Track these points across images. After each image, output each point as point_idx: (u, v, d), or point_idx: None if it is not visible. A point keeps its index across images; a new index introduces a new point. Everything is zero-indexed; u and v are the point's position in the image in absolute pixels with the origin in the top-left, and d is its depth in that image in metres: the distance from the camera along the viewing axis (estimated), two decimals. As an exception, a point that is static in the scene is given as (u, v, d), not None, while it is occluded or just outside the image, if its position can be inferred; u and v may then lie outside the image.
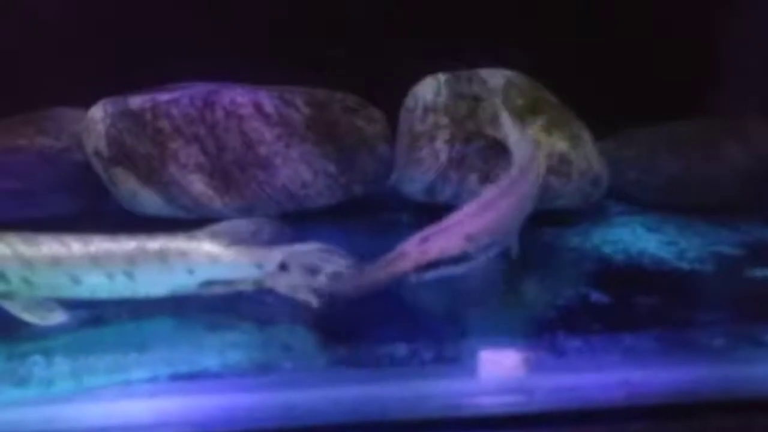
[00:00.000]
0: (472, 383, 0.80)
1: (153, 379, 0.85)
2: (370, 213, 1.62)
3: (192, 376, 0.87)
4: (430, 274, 1.01)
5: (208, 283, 1.07)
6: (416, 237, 1.04)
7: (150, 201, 1.45)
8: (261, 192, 1.51)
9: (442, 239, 1.04)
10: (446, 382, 0.80)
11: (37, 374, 0.85)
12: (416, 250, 1.02)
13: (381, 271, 1.01)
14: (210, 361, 0.95)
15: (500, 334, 0.94)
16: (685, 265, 1.21)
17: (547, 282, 1.13)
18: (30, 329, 0.97)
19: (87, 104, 1.67)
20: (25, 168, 1.45)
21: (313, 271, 1.06)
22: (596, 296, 1.07)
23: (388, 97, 1.72)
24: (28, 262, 0.97)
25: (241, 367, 0.90)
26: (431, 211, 1.55)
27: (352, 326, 1.07)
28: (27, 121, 1.55)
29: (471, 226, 1.06)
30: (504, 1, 2.01)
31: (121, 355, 0.90)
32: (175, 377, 0.86)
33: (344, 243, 1.42)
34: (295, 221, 1.58)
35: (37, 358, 0.89)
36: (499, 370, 0.83)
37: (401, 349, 0.89)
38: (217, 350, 0.97)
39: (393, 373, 0.84)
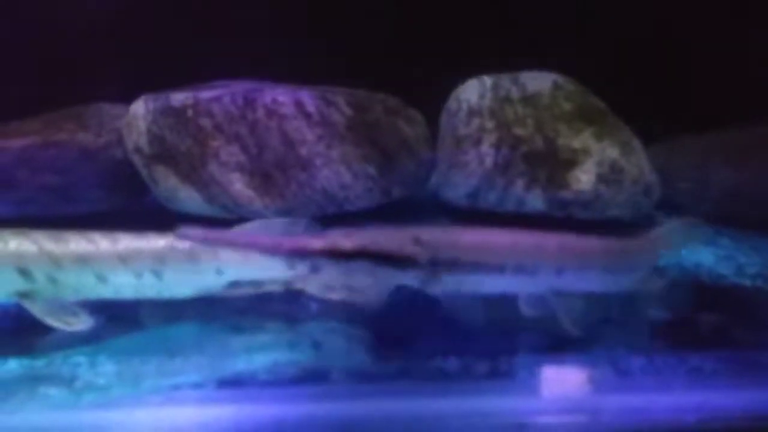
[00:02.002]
0: (534, 401, 0.76)
1: (200, 386, 0.82)
2: (410, 217, 1.58)
3: (237, 383, 0.85)
4: (355, 271, 0.87)
5: (235, 284, 1.03)
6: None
7: (190, 199, 1.43)
8: (300, 193, 1.48)
9: (385, 233, 0.89)
10: (506, 399, 0.75)
11: (82, 379, 0.83)
12: (338, 232, 0.89)
13: (276, 241, 0.87)
14: (250, 366, 0.92)
15: (556, 351, 0.90)
16: (746, 282, 1.16)
17: (600, 296, 1.07)
18: (52, 334, 0.94)
19: (128, 99, 1.68)
20: (66, 163, 1.44)
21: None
22: (655, 312, 1.02)
23: (427, 98, 1.69)
24: (55, 259, 0.95)
25: (289, 374, 0.87)
26: (472, 217, 1.53)
27: (401, 335, 1.05)
28: (68, 116, 1.54)
29: (428, 233, 0.91)
30: (546, 3, 1.99)
31: (163, 361, 0.88)
32: (222, 383, 0.84)
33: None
34: (334, 223, 1.58)
35: (79, 360, 0.87)
36: (559, 388, 0.79)
37: (453, 363, 0.85)
38: (255, 354, 0.95)
39: (448, 388, 0.80)
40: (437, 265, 0.87)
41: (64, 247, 0.95)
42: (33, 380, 0.83)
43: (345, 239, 0.86)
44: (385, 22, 2.00)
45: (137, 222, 1.49)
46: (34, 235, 0.97)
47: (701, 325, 0.99)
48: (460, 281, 0.89)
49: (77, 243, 0.97)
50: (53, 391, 0.81)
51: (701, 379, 0.81)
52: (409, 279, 0.88)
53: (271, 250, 0.86)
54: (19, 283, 0.93)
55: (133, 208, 1.54)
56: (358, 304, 1.04)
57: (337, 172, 1.50)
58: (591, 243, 1.01)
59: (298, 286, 1.06)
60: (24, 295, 0.94)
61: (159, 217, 1.51)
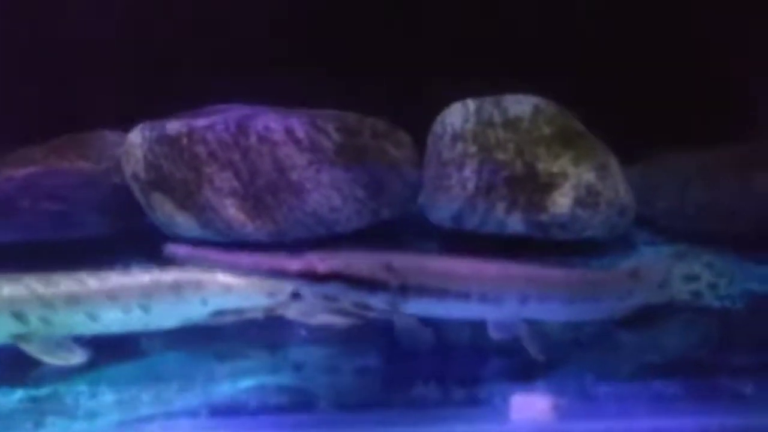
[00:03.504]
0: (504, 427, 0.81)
1: (194, 412, 0.89)
2: (398, 238, 1.64)
3: (229, 408, 0.91)
4: (327, 293, 0.92)
5: (219, 313, 1.10)
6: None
7: (186, 224, 1.50)
8: (291, 217, 1.54)
9: (359, 258, 0.95)
10: (478, 425, 0.81)
11: (84, 408, 0.89)
12: (314, 255, 0.93)
13: (256, 260, 0.92)
14: (236, 391, 0.98)
15: (522, 376, 0.96)
16: (715, 303, 1.21)
17: (569, 324, 1.12)
18: (46, 369, 0.99)
19: (125, 124, 1.75)
20: (67, 191, 1.51)
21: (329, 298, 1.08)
22: (624, 335, 1.08)
23: (414, 117, 1.75)
24: (47, 302, 1.01)
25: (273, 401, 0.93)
26: (458, 238, 1.59)
27: (376, 359, 1.11)
28: (70, 144, 1.61)
29: (400, 261, 0.96)
30: (525, 25, 2.04)
31: (159, 389, 0.95)
32: (215, 409, 0.90)
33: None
34: (323, 245, 1.64)
35: (80, 390, 0.93)
36: (529, 413, 0.85)
37: (433, 390, 0.91)
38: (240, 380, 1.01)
39: (425, 414, 0.86)
40: (406, 290, 0.93)
41: (55, 289, 1.02)
42: (40, 410, 0.89)
43: (320, 262, 0.92)
44: (376, 42, 2.06)
45: (135, 246, 1.57)
46: (26, 280, 1.03)
47: (666, 348, 1.05)
48: (427, 306, 0.95)
49: (67, 284, 1.03)
50: (60, 421, 0.87)
51: (664, 405, 0.86)
52: (379, 302, 0.94)
53: (252, 270, 0.93)
54: (14, 327, 1.00)
55: (131, 231, 1.61)
56: (336, 327, 1.11)
57: (327, 195, 1.56)
58: (554, 273, 1.07)
59: (279, 312, 1.13)
60: (20, 337, 1.00)
61: (156, 242, 1.57)
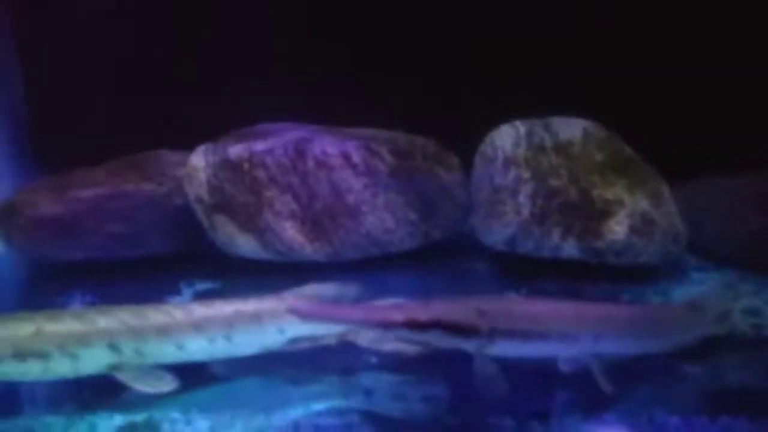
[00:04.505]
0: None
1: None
2: (450, 259, 1.68)
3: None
4: (427, 339, 0.99)
5: (295, 340, 1.15)
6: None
7: (247, 246, 1.55)
8: (347, 239, 1.59)
9: (448, 304, 1.03)
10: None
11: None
12: (416, 304, 1.02)
13: (365, 314, 1.02)
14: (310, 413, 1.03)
15: (599, 409, 0.99)
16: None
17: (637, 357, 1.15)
18: (131, 395, 1.04)
19: (181, 143, 1.80)
20: (131, 212, 1.56)
21: None
22: (686, 367, 1.11)
23: (458, 137, 1.78)
24: (139, 334, 1.06)
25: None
26: (511, 261, 1.62)
27: (446, 385, 1.14)
28: (131, 165, 1.66)
29: (488, 304, 1.03)
30: (561, 43, 2.05)
31: (247, 414, 0.99)
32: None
33: (426, 289, 1.50)
34: (377, 266, 1.68)
35: (174, 416, 0.97)
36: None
37: (507, 423, 0.95)
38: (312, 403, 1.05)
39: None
40: (495, 333, 1.00)
41: (146, 321, 1.07)
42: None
43: (421, 312, 1.00)
44: (414, 61, 2.10)
45: (196, 265, 1.62)
46: (118, 313, 1.08)
47: (731, 381, 1.07)
48: (512, 348, 1.01)
49: (156, 317, 1.08)
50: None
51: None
52: (471, 346, 1.01)
53: (363, 322, 1.03)
54: (109, 357, 1.05)
55: (192, 251, 1.65)
56: (407, 354, 1.15)
57: (382, 218, 1.60)
58: (623, 311, 1.15)
59: (350, 338, 1.17)
60: (114, 367, 1.05)
61: (215, 261, 1.62)
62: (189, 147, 1.75)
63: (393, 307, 1.03)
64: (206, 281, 1.54)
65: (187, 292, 1.49)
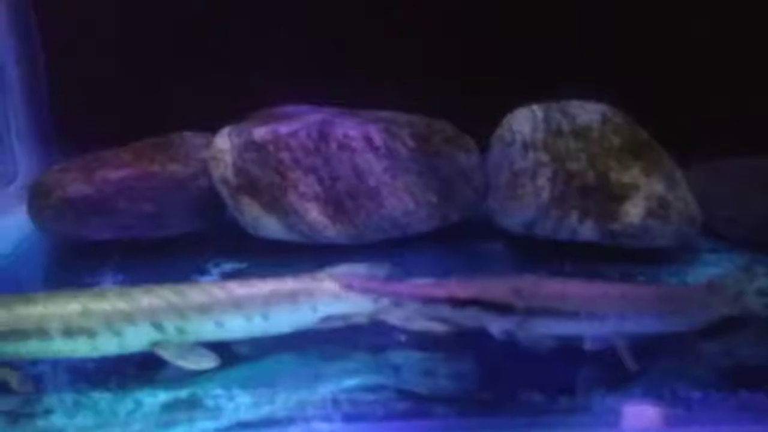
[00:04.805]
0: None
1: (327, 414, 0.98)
2: (467, 241, 1.72)
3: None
4: (465, 316, 1.04)
5: (327, 319, 1.19)
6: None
7: (271, 227, 1.58)
8: (369, 220, 1.62)
9: (486, 282, 1.08)
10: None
11: (226, 409, 0.98)
12: (455, 282, 1.07)
13: (409, 289, 1.08)
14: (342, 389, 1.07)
15: (625, 386, 1.04)
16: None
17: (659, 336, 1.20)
18: (177, 372, 1.09)
19: (204, 125, 1.82)
20: (159, 193, 1.59)
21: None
22: (704, 345, 1.15)
23: (472, 121, 1.81)
24: (181, 312, 1.10)
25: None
26: (529, 243, 1.66)
27: (472, 362, 1.19)
28: (157, 147, 1.69)
29: (523, 283, 1.08)
30: (570, 27, 2.07)
31: (286, 390, 1.04)
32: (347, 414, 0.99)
33: (448, 270, 1.55)
34: (397, 247, 1.72)
35: (217, 392, 1.02)
36: (636, 421, 0.92)
37: (536, 397, 1.00)
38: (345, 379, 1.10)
39: (529, 421, 0.94)
40: (530, 312, 1.05)
41: (187, 300, 1.11)
42: (189, 411, 0.99)
43: (462, 289, 1.05)
44: (428, 46, 2.11)
45: (221, 244, 1.66)
46: (160, 291, 1.11)
47: (747, 357, 1.12)
48: (545, 326, 1.06)
49: (198, 295, 1.12)
50: (209, 423, 0.97)
51: (756, 412, 0.94)
52: (507, 324, 1.06)
53: (408, 296, 1.09)
54: (153, 335, 1.09)
55: (216, 231, 1.69)
56: (436, 333, 1.20)
57: (402, 200, 1.64)
58: (646, 290, 1.21)
59: (381, 317, 1.21)
60: (156, 344, 1.09)
61: (240, 241, 1.66)
62: (205, 129, 1.80)
63: (435, 284, 1.08)
64: (232, 261, 1.58)
65: (215, 272, 1.54)
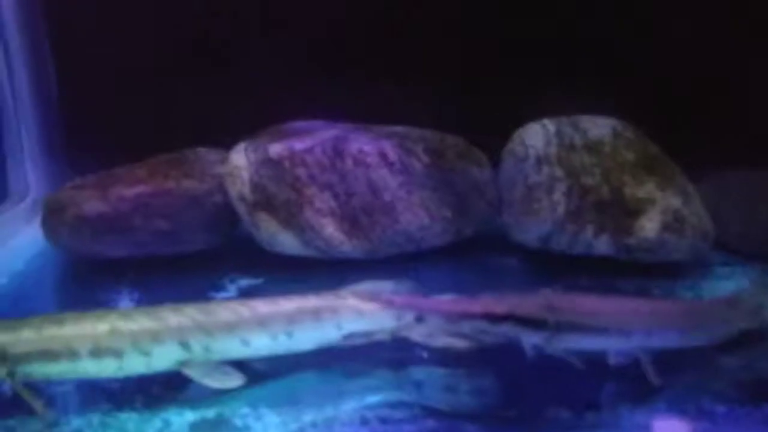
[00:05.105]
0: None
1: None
2: (482, 255, 1.72)
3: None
4: (500, 331, 1.06)
5: (350, 336, 1.19)
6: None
7: (288, 243, 1.58)
8: (384, 235, 1.63)
9: (520, 297, 1.09)
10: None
11: (254, 429, 0.98)
12: (490, 298, 1.08)
13: (446, 305, 1.10)
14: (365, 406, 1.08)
15: (649, 400, 1.04)
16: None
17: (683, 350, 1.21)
18: (202, 391, 1.09)
19: (214, 140, 1.83)
20: (174, 210, 1.59)
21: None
22: (725, 359, 1.16)
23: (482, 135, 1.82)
24: (207, 331, 1.10)
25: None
26: (544, 257, 1.67)
27: (494, 378, 1.20)
28: (172, 163, 1.69)
29: (557, 300, 1.10)
30: (578, 39, 2.09)
31: (313, 408, 1.04)
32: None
33: (466, 285, 1.55)
34: (412, 262, 1.73)
35: (244, 411, 1.01)
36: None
37: (559, 412, 1.00)
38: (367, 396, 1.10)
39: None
40: (561, 327, 1.06)
41: (214, 318, 1.11)
42: (216, 430, 0.99)
43: (497, 305, 1.07)
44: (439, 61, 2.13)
45: (237, 261, 1.66)
46: (187, 311, 1.12)
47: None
48: (574, 341, 1.08)
49: (224, 314, 1.12)
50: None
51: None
52: (538, 339, 1.07)
53: (448, 313, 1.10)
54: (180, 354, 1.09)
55: (232, 247, 1.69)
56: (458, 349, 1.21)
57: (417, 215, 1.65)
58: (670, 307, 1.22)
59: (403, 334, 1.21)
60: (183, 363, 1.09)
61: (255, 257, 1.66)
62: (215, 144, 1.81)
63: (470, 300, 1.09)
64: (248, 277, 1.58)
65: (231, 288, 1.54)
